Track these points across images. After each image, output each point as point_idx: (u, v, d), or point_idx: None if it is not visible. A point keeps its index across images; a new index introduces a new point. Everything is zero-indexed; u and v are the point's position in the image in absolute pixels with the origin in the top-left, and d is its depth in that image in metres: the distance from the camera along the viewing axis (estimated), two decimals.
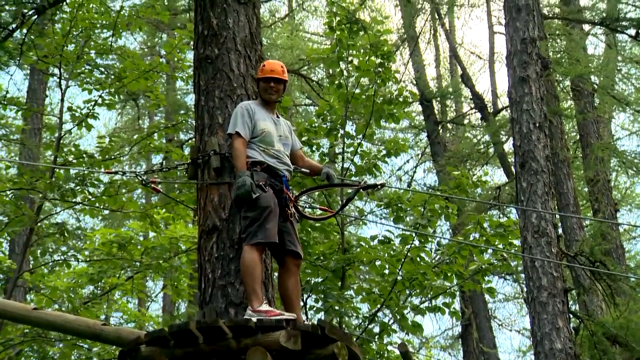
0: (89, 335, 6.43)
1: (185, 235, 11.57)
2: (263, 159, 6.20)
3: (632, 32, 15.88)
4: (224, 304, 5.92)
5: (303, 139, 11.16)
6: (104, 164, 10.94)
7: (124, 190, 11.21)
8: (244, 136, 6.18)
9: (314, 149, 11.52)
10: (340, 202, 9.94)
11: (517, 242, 10.73)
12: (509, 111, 11.47)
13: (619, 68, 17.60)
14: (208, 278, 6.07)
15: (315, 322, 5.81)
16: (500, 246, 10.97)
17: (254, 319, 5.62)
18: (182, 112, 17.11)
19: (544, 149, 9.27)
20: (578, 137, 16.93)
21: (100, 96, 11.53)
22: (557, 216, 14.45)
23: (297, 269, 6.25)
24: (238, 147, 6.17)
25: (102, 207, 11.25)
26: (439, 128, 21.03)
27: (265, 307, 5.80)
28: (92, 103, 11.53)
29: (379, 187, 6.43)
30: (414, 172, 21.97)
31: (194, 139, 7.09)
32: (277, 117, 6.52)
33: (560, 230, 13.98)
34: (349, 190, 6.82)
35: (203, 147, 6.47)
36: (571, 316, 9.90)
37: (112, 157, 11.13)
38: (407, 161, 22.62)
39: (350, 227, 12.43)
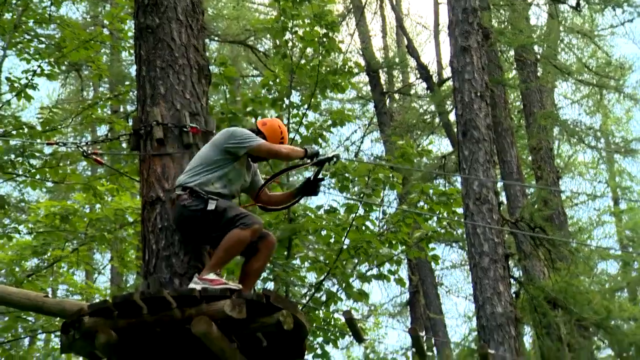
0: (31, 307, 6.39)
1: (130, 207, 11.48)
2: (208, 191, 5.93)
3: (574, 2, 16.11)
4: (168, 274, 5.92)
5: (248, 109, 11.13)
6: (45, 135, 10.78)
7: (67, 163, 11.07)
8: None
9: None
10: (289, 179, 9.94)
11: (460, 210, 10.89)
12: (452, 81, 11.57)
13: (561, 38, 17.84)
14: (152, 249, 6.05)
15: (261, 291, 5.85)
16: (445, 214, 11.13)
17: (198, 287, 5.61)
18: (127, 83, 16.92)
19: (485, 117, 9.40)
20: (522, 106, 17.15)
21: (39, 66, 11.32)
22: (499, 184, 14.69)
23: (268, 250, 6.14)
24: (273, 145, 6.07)
25: (43, 179, 11.10)
26: (386, 98, 21.13)
27: (212, 276, 5.77)
28: (31, 73, 11.32)
29: (333, 160, 6.34)
30: (361, 142, 22.11)
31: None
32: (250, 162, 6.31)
33: (503, 198, 14.22)
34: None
35: (145, 118, 6.42)
36: (512, 281, 10.12)
37: (54, 128, 10.97)
38: (355, 131, 22.76)
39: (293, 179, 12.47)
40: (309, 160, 6.23)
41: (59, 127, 11.41)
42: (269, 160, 6.46)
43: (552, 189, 12.67)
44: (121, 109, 18.29)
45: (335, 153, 6.30)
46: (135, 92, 6.89)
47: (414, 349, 6.60)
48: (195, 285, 5.70)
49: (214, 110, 10.56)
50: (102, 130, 18.26)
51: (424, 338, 20.46)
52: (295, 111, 11.35)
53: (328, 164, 6.29)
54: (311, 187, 6.40)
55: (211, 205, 5.81)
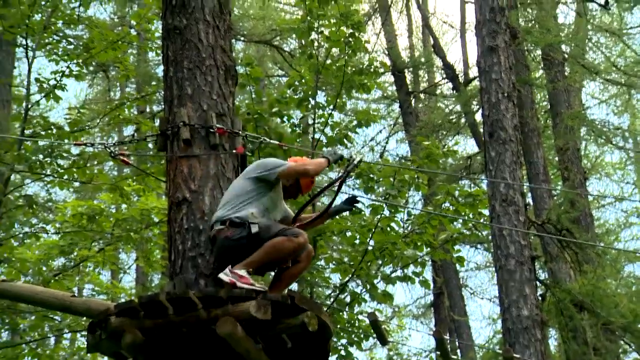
0: (58, 306, 6.43)
1: (156, 207, 11.54)
2: (244, 220, 5.87)
3: (602, 0, 15.97)
4: (194, 275, 5.94)
5: (274, 110, 11.15)
6: (72, 135, 10.86)
7: (94, 163, 11.15)
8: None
9: (284, 119, 11.51)
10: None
11: (486, 212, 10.84)
12: (478, 81, 11.51)
13: (589, 37, 17.69)
14: (178, 250, 6.08)
15: (286, 293, 5.86)
16: (470, 216, 11.08)
17: (226, 279, 5.62)
18: (154, 83, 17.00)
19: (512, 118, 9.34)
20: (548, 106, 17.04)
21: (68, 67, 11.41)
22: (525, 185, 14.60)
23: (308, 261, 6.12)
24: (307, 163, 6.11)
25: (71, 179, 11.19)
26: (411, 98, 21.07)
27: (243, 272, 5.72)
28: (60, 74, 11.41)
29: (356, 164, 6.32)
30: (386, 142, 22.07)
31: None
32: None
33: (530, 199, 14.13)
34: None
35: (172, 119, 6.44)
36: (538, 283, 10.04)
37: (81, 128, 11.05)
38: (380, 132, 22.73)
39: (323, 198, 12.47)
40: (337, 181, 6.30)
41: (87, 127, 11.50)
42: (299, 193, 6.45)
43: (576, 192, 12.55)
44: (148, 110, 18.39)
45: (359, 157, 6.31)
46: (162, 92, 6.92)
47: (438, 352, 6.59)
48: (224, 276, 5.69)
49: (240, 110, 10.58)
50: (129, 131, 18.37)
51: (448, 341, 20.42)
52: (320, 111, 11.34)
53: (356, 167, 6.32)
54: (348, 206, 6.43)
55: (254, 228, 5.76)
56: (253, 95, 11.46)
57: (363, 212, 10.94)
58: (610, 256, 12.96)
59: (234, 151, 6.36)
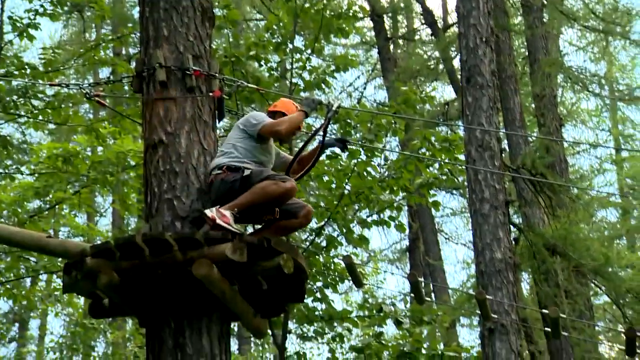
0: (34, 247, 6.44)
1: (133, 150, 11.49)
2: (242, 166, 6.04)
3: None
4: (170, 217, 5.95)
5: (251, 52, 11.06)
6: (47, 76, 10.72)
7: (69, 104, 11.04)
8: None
9: (262, 63, 11.43)
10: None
11: (462, 157, 10.90)
12: (457, 26, 11.47)
13: None
14: (154, 192, 6.07)
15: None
16: (446, 161, 11.13)
17: (210, 214, 5.71)
18: (130, 25, 16.78)
19: (489, 63, 9.33)
20: (526, 52, 17.02)
21: (42, 5, 11.21)
22: (502, 130, 14.65)
23: (307, 220, 6.27)
24: (282, 122, 6.12)
25: (46, 120, 11.08)
26: (390, 44, 20.96)
27: (227, 213, 5.78)
28: (34, 13, 11.22)
29: (335, 111, 6.31)
30: (365, 88, 22.01)
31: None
32: (270, 145, 6.39)
33: (505, 145, 14.21)
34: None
35: (148, 60, 6.38)
36: (512, 227, 10.16)
37: (56, 69, 10.90)
38: (358, 77, 22.67)
39: (299, 142, 12.47)
40: (319, 130, 6.34)
41: (61, 68, 11.34)
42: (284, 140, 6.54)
43: (551, 139, 12.57)
44: (124, 52, 18.18)
45: (337, 102, 6.33)
46: (138, 34, 6.84)
47: (412, 295, 6.68)
48: (208, 211, 5.78)
49: (217, 53, 10.49)
50: (105, 73, 18.18)
51: (423, 283, 20.67)
52: (298, 56, 11.27)
53: (336, 114, 6.35)
54: (339, 144, 6.50)
55: (247, 171, 5.92)
56: (230, 39, 11.35)
57: (340, 157, 10.97)
58: (584, 201, 13.12)
59: (211, 94, 6.34)
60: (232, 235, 5.66)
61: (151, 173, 6.13)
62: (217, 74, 6.43)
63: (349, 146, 6.69)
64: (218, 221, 5.70)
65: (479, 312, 6.37)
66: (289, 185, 5.89)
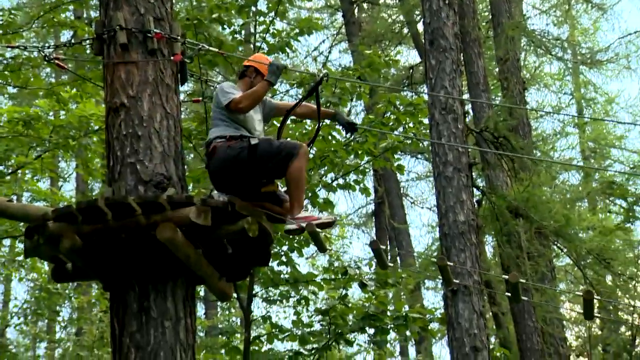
0: None
1: (95, 114, 11.35)
2: (241, 134, 6.16)
3: None
4: (133, 181, 5.91)
5: (214, 15, 10.94)
6: (5, 38, 10.51)
7: (29, 67, 10.85)
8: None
9: (225, 26, 11.32)
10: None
11: (426, 121, 10.93)
12: None
13: None
14: (117, 156, 6.03)
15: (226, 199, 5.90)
16: (410, 125, 11.16)
17: (293, 227, 5.97)
18: None
19: (452, 26, 9.33)
20: (490, 16, 17.04)
21: None
22: (465, 94, 14.71)
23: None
24: (243, 98, 6.11)
25: (5, 83, 10.89)
26: (354, 7, 20.86)
27: (304, 213, 6.04)
28: None
29: (320, 81, 6.36)
30: (329, 52, 21.91)
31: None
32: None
33: (469, 108, 14.28)
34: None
35: (108, 22, 6.30)
36: (475, 190, 10.25)
37: (15, 31, 10.69)
38: (323, 41, 22.57)
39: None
40: (303, 99, 6.54)
41: (20, 31, 11.13)
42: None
43: (512, 106, 12.56)
44: (85, 14, 17.89)
45: (324, 72, 6.41)
46: None
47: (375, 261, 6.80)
48: (291, 225, 6.02)
49: (179, 16, 10.36)
50: (66, 36, 17.89)
51: (388, 248, 20.82)
52: (262, 19, 11.17)
53: (320, 84, 6.41)
54: (347, 127, 6.63)
55: (253, 140, 6.00)
56: (193, 1, 11.22)
57: (304, 121, 10.94)
58: (546, 164, 13.25)
59: (172, 58, 6.27)
60: (327, 225, 6.02)
61: (113, 137, 6.08)
62: (179, 37, 6.37)
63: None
64: (306, 224, 5.93)
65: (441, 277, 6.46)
66: (303, 149, 6.06)
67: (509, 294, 6.42)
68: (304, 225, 5.99)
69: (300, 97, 6.78)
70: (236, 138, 6.05)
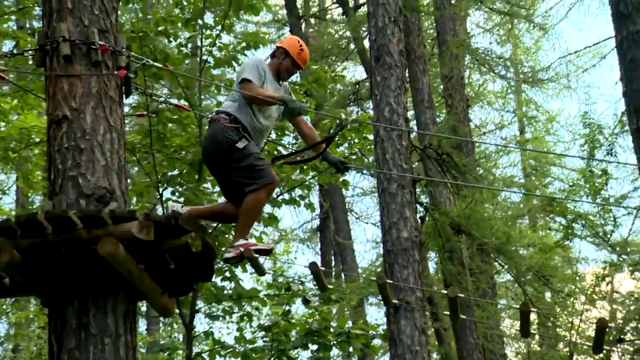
0: None
1: (37, 126, 11.18)
2: (245, 125, 6.28)
3: None
4: (74, 195, 5.81)
5: (160, 28, 10.88)
6: None
7: None
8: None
9: (171, 39, 11.27)
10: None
11: (371, 137, 10.99)
12: (366, 6, 11.52)
13: None
14: (58, 169, 5.93)
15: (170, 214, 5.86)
16: (356, 140, 11.23)
17: (230, 255, 6.06)
18: None
19: (398, 43, 9.41)
20: (435, 33, 17.25)
21: None
22: (410, 111, 14.84)
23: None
24: (253, 89, 6.24)
25: None
26: (302, 22, 20.94)
27: (242, 241, 6.10)
28: None
29: (343, 125, 6.58)
30: None
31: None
32: (280, 84, 6.61)
33: (414, 124, 14.40)
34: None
35: (51, 33, 6.21)
36: (419, 206, 10.33)
37: None
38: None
39: None
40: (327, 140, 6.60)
41: None
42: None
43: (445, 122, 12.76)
44: (27, 25, 17.63)
45: (352, 117, 6.56)
46: (41, 6, 6.64)
47: (315, 284, 6.85)
48: (228, 254, 6.11)
49: (125, 28, 10.28)
50: (8, 47, 17.61)
51: (333, 262, 20.84)
52: (208, 32, 11.15)
53: (344, 128, 6.58)
54: (340, 166, 6.67)
55: (241, 144, 6.13)
56: (139, 14, 11.14)
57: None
58: (488, 181, 13.42)
59: (115, 73, 6.21)
60: (265, 252, 6.10)
61: (55, 149, 5.99)
62: (123, 49, 6.30)
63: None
64: (244, 250, 6.01)
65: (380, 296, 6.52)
66: (270, 187, 6.17)
67: (449, 313, 6.49)
68: (241, 250, 6.06)
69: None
70: (237, 124, 6.18)
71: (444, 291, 6.60)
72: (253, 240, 6.26)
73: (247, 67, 6.43)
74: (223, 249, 10.57)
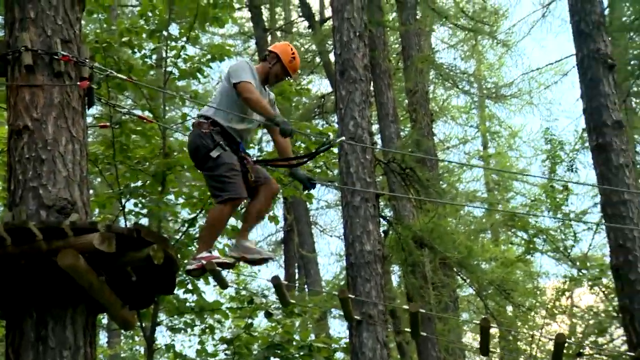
0: None
1: None
2: (225, 126, 6.30)
3: None
4: (35, 206, 5.76)
5: (124, 39, 10.82)
6: None
7: None
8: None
9: (136, 50, 11.21)
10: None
11: (336, 150, 11.02)
12: (332, 20, 11.57)
13: None
14: (18, 179, 5.87)
15: (132, 226, 5.82)
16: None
17: (192, 267, 6.08)
18: None
19: (363, 57, 9.46)
20: (400, 48, 17.37)
21: None
22: (375, 125, 14.92)
23: (268, 196, 6.54)
24: (255, 94, 6.20)
25: None
26: (268, 35, 20.97)
27: (204, 254, 6.11)
28: None
29: (331, 145, 6.63)
30: None
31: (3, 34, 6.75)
32: (265, 90, 6.58)
33: (378, 139, 14.47)
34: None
35: (13, 42, 6.16)
36: (382, 220, 10.37)
37: None
38: None
39: (177, 134, 12.31)
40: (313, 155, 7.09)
41: None
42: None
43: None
44: None
45: (340, 139, 6.59)
46: (3, 15, 6.59)
47: (277, 297, 6.88)
48: (191, 265, 6.12)
49: (88, 38, 10.21)
50: None
51: (297, 275, 20.82)
52: (173, 44, 11.11)
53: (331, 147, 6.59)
54: (306, 182, 6.73)
55: (214, 153, 6.17)
56: (103, 25, 11.08)
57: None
58: (451, 196, 13.52)
59: (78, 84, 6.16)
60: (228, 266, 6.15)
61: (15, 160, 5.93)
62: (87, 60, 6.26)
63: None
64: (206, 262, 6.02)
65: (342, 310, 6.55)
66: (235, 202, 6.21)
67: (409, 330, 6.52)
68: (204, 263, 6.05)
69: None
70: (215, 126, 6.22)
71: (406, 306, 6.63)
72: (216, 253, 6.24)
73: (241, 69, 6.38)
74: (186, 261, 10.52)
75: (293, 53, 6.61)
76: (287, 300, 6.69)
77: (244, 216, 6.58)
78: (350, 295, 6.12)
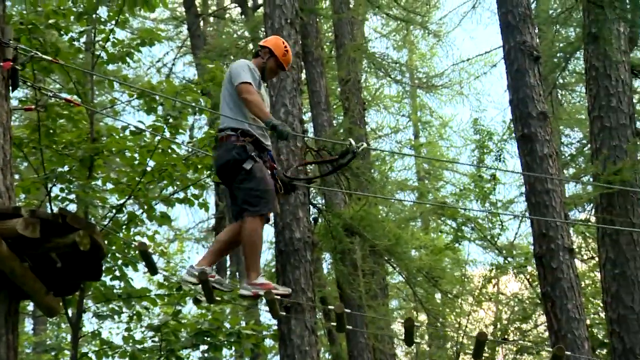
0: None
1: None
2: (253, 132, 6.31)
3: None
4: None
5: (51, 21, 10.59)
6: None
7: None
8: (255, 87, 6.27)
9: (63, 33, 10.98)
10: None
11: None
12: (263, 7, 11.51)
13: None
14: None
15: (57, 211, 5.73)
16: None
17: (248, 293, 6.10)
18: None
19: (294, 45, 9.44)
20: (333, 37, 17.40)
21: None
22: (307, 113, 14.94)
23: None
24: (255, 95, 6.20)
25: None
26: (200, 20, 20.79)
27: (261, 279, 6.13)
28: None
29: (356, 153, 6.59)
30: (173, 64, 21.77)
31: None
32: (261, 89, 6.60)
33: (310, 127, 14.49)
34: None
35: None
36: (312, 208, 10.40)
37: None
38: (167, 53, 22.40)
39: (107, 119, 12.13)
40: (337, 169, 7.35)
41: None
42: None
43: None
44: None
45: (362, 145, 6.55)
46: None
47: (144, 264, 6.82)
48: (245, 291, 6.14)
49: (13, 19, 9.96)
50: None
51: (229, 263, 20.75)
52: (102, 27, 10.92)
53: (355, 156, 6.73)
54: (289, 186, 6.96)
55: (247, 165, 6.23)
56: (29, 5, 10.82)
57: (144, 133, 10.78)
58: (382, 184, 13.63)
59: (1, 65, 6.02)
60: (286, 296, 6.48)
61: None
62: (10, 41, 6.12)
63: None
64: (265, 292, 6.06)
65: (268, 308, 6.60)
66: (266, 216, 6.37)
67: (334, 324, 6.59)
68: (261, 293, 6.09)
69: None
70: (244, 136, 6.25)
71: (331, 307, 6.73)
72: (267, 281, 6.29)
73: (242, 70, 6.37)
74: (113, 247, 10.38)
75: (285, 46, 6.68)
76: (155, 268, 6.70)
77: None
78: (275, 297, 6.20)
